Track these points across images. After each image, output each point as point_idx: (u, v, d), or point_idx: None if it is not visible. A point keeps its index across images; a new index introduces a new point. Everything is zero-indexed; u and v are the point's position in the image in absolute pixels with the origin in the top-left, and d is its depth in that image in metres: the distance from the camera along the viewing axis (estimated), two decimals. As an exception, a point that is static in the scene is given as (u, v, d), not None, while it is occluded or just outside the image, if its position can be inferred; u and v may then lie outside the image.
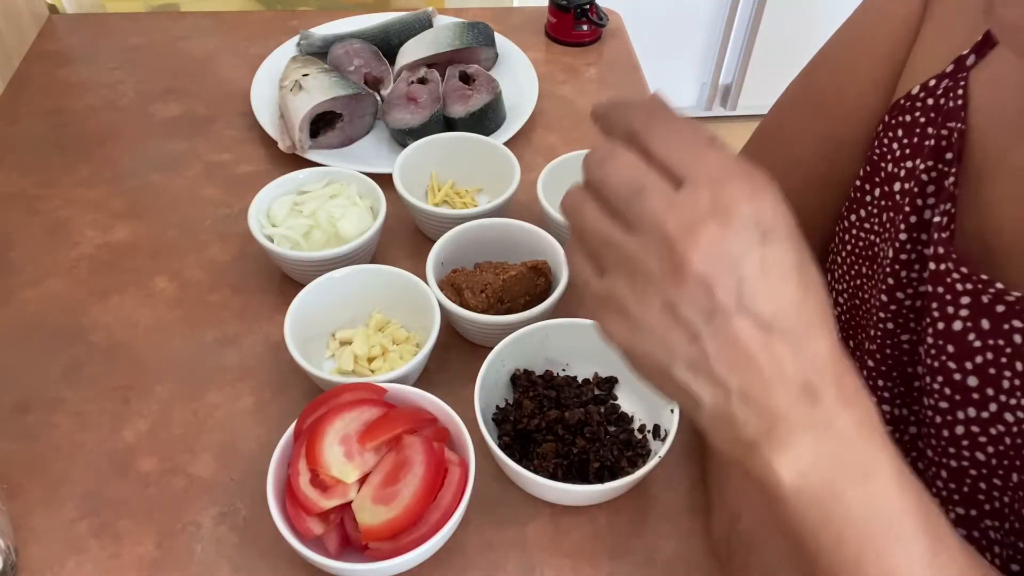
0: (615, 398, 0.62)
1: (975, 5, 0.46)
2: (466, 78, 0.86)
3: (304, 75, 0.83)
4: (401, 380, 0.58)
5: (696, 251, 0.32)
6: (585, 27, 1.00)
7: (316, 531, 0.50)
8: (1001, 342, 0.47)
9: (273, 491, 0.51)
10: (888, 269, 0.53)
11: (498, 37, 0.96)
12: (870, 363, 0.56)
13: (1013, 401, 0.48)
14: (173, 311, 0.69)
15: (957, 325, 0.49)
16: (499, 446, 0.55)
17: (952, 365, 0.50)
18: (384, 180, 0.73)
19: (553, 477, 0.55)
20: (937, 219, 0.50)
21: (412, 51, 0.90)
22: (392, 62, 0.91)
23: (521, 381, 0.61)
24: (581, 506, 0.57)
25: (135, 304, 0.69)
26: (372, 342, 0.64)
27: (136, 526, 0.55)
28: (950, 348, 0.50)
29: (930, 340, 0.51)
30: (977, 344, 0.48)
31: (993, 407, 0.49)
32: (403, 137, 0.82)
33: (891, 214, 0.54)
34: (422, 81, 0.85)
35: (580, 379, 0.63)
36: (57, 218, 0.76)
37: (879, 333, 0.55)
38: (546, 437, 0.58)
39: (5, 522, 0.53)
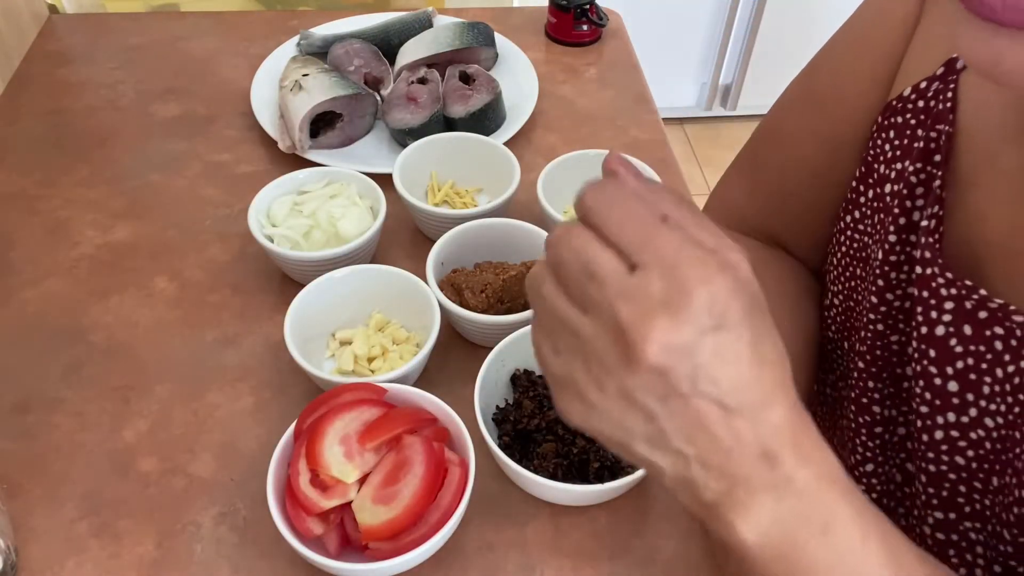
0: (615, 398, 0.62)
1: None
2: (466, 78, 0.86)
3: (304, 75, 0.83)
4: (401, 380, 0.58)
5: (649, 344, 0.32)
6: (585, 27, 1.00)
7: (316, 531, 0.50)
8: (983, 348, 0.48)
9: (273, 491, 0.51)
10: (878, 271, 0.53)
11: (498, 37, 0.96)
12: (860, 364, 0.56)
13: (993, 407, 0.48)
14: (173, 311, 0.69)
15: (940, 330, 0.49)
16: (499, 446, 0.55)
17: (933, 369, 0.50)
18: (384, 180, 0.73)
19: (553, 477, 0.55)
20: (924, 223, 0.50)
21: (412, 51, 0.90)
22: (392, 62, 0.91)
23: (521, 381, 0.61)
24: (581, 506, 0.57)
25: (135, 304, 0.69)
26: (372, 342, 0.64)
27: (136, 526, 0.56)
28: (932, 352, 0.50)
29: (914, 344, 0.51)
30: (959, 349, 0.49)
31: (973, 412, 0.49)
32: (403, 137, 0.82)
33: (882, 216, 0.54)
34: (422, 81, 0.85)
35: (580, 379, 0.63)
36: (57, 218, 0.76)
37: (869, 334, 0.55)
38: (546, 437, 0.58)
39: (5, 522, 0.53)
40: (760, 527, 0.36)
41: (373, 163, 0.81)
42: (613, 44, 1.03)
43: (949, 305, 0.48)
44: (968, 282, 0.47)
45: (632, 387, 0.34)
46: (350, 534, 0.51)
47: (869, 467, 0.60)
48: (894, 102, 0.53)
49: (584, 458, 0.57)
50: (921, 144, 0.51)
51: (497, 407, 0.60)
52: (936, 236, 0.49)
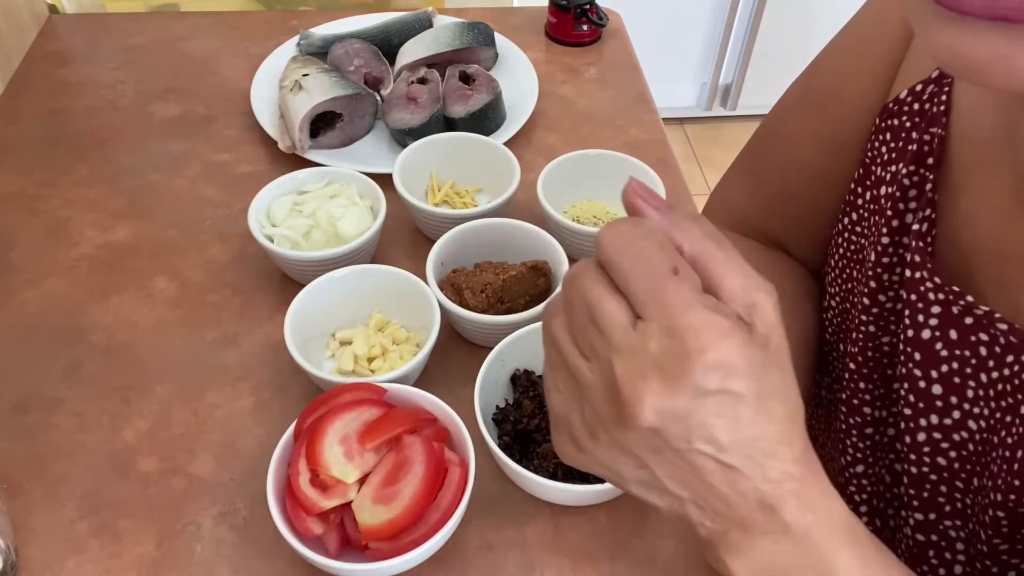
0: (615, 398, 0.62)
1: None
2: (466, 78, 0.86)
3: (304, 75, 0.83)
4: (401, 380, 0.58)
5: (641, 407, 0.32)
6: (585, 27, 1.00)
7: (316, 531, 0.50)
8: (967, 353, 0.48)
9: (273, 491, 0.51)
10: (870, 272, 0.53)
11: (498, 37, 0.96)
12: (852, 365, 0.56)
13: (976, 410, 0.48)
14: (173, 311, 0.69)
15: (926, 333, 0.49)
16: (499, 446, 0.55)
17: (918, 372, 0.50)
18: (384, 180, 0.73)
19: (553, 477, 0.55)
20: (916, 226, 0.50)
21: (412, 51, 0.90)
22: (392, 62, 0.91)
23: (521, 381, 0.61)
24: (581, 506, 0.57)
25: (135, 304, 0.69)
26: (372, 342, 0.64)
27: (136, 526, 0.56)
28: (917, 356, 0.50)
29: (900, 346, 0.51)
30: (944, 353, 0.49)
31: (956, 414, 0.50)
32: (403, 137, 0.82)
33: (877, 218, 0.54)
34: (422, 81, 0.85)
35: (580, 379, 0.63)
36: (57, 218, 0.76)
37: (860, 336, 0.55)
38: (546, 437, 0.58)
39: (5, 522, 0.53)
40: (753, 568, 0.36)
41: (373, 163, 0.81)
42: (613, 44, 1.03)
43: (936, 309, 0.49)
44: (955, 288, 0.47)
45: (624, 440, 0.34)
46: (350, 534, 0.51)
47: (859, 468, 0.60)
48: (891, 104, 0.53)
49: (584, 458, 0.57)
50: (915, 147, 0.51)
51: (497, 407, 0.60)
52: (928, 240, 0.49)
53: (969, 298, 0.47)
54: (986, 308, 0.46)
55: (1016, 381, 0.45)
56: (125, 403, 0.62)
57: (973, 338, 0.47)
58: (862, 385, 0.56)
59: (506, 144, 0.80)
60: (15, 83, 0.91)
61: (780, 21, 2.09)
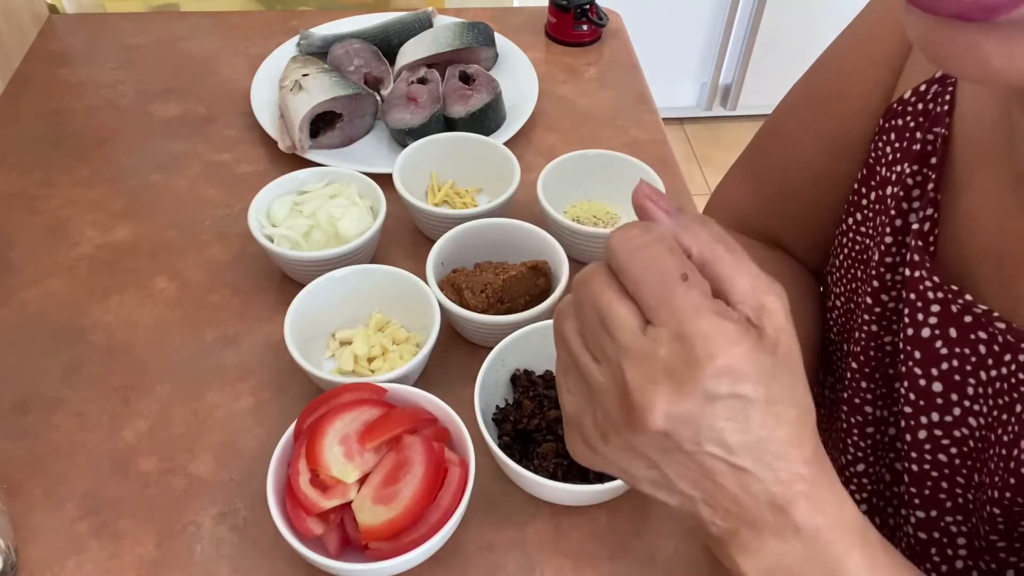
0: (615, 398, 0.62)
1: None
2: (466, 78, 0.86)
3: (304, 75, 0.83)
4: (401, 380, 0.58)
5: (651, 411, 0.32)
6: (585, 27, 1.00)
7: (316, 531, 0.50)
8: (967, 351, 0.48)
9: (273, 491, 0.51)
10: (873, 271, 0.53)
11: (498, 37, 0.96)
12: (854, 365, 0.57)
13: (977, 407, 0.49)
14: (173, 311, 0.69)
15: (926, 332, 0.50)
16: (499, 446, 0.55)
17: (918, 371, 0.50)
18: (384, 180, 0.73)
19: (553, 477, 0.55)
20: (917, 225, 0.50)
21: (412, 51, 0.90)
22: (392, 62, 0.91)
23: (521, 381, 0.61)
24: (581, 506, 0.57)
25: (135, 304, 0.69)
26: (372, 342, 0.64)
27: (136, 526, 0.55)
28: (917, 354, 0.50)
29: (900, 344, 0.51)
30: (944, 351, 0.49)
31: (957, 411, 0.50)
32: (403, 137, 0.82)
33: (882, 218, 0.54)
34: (422, 81, 0.85)
35: (580, 379, 0.63)
36: (57, 218, 0.76)
37: (863, 335, 0.55)
38: (546, 437, 0.58)
39: (5, 522, 0.53)
40: (764, 567, 0.36)
41: (373, 163, 0.81)
42: (613, 44, 1.03)
43: (936, 308, 0.49)
44: (954, 287, 0.48)
45: (635, 443, 0.34)
46: (350, 534, 0.51)
47: (860, 467, 0.60)
48: (895, 105, 0.53)
49: (584, 458, 0.57)
50: (919, 147, 0.51)
51: (497, 407, 0.60)
52: (930, 239, 0.50)
53: (968, 297, 0.47)
54: (984, 307, 0.46)
55: (1013, 380, 0.45)
56: (125, 403, 0.62)
57: (972, 336, 0.47)
58: (864, 384, 0.56)
59: (506, 144, 0.80)
60: (15, 83, 0.91)
61: (780, 21, 2.09)
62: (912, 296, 0.50)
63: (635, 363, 0.33)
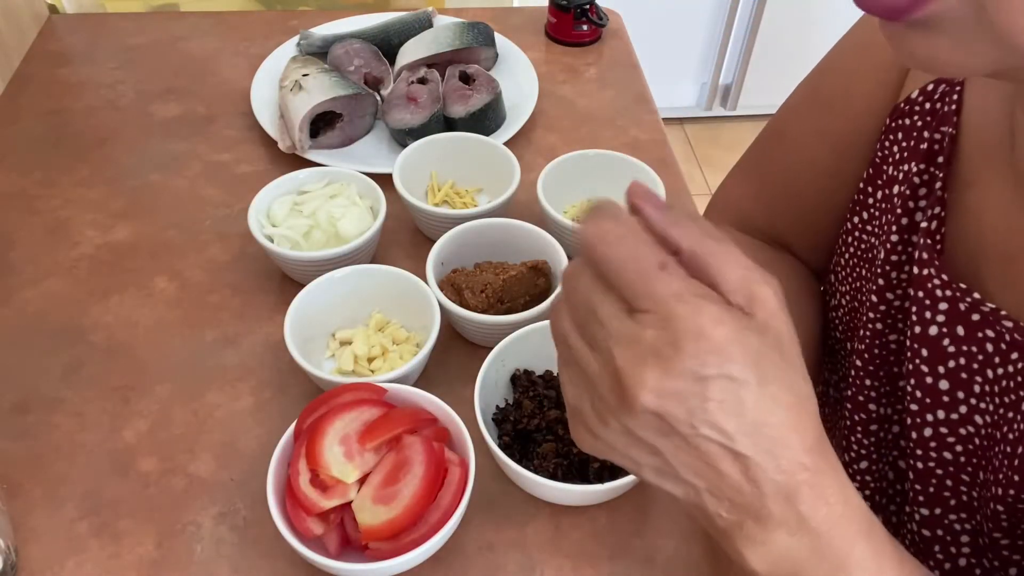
0: (615, 398, 0.62)
1: None
2: (466, 78, 0.86)
3: (304, 75, 0.83)
4: (401, 380, 0.58)
5: (642, 390, 0.33)
6: (585, 27, 1.00)
7: (316, 531, 0.50)
8: (974, 349, 0.48)
9: (273, 491, 0.51)
10: (879, 270, 0.53)
11: (498, 37, 0.96)
12: (858, 363, 0.57)
13: (983, 405, 0.49)
14: (173, 311, 0.69)
15: (933, 330, 0.50)
16: (499, 446, 0.55)
17: (925, 368, 0.51)
18: (384, 180, 0.73)
19: (553, 477, 0.55)
20: (924, 223, 0.50)
21: (412, 51, 0.90)
22: (392, 62, 0.91)
23: (521, 381, 0.61)
24: (581, 506, 0.57)
25: (135, 304, 0.69)
26: (372, 342, 0.64)
27: (136, 526, 0.55)
28: (924, 352, 0.50)
29: (907, 342, 0.51)
30: (951, 349, 0.49)
31: (963, 409, 0.50)
32: (403, 137, 0.82)
33: (888, 216, 0.54)
34: (422, 81, 0.85)
35: (580, 379, 0.63)
36: (57, 218, 0.76)
37: (868, 333, 0.55)
38: (546, 437, 0.58)
39: (5, 522, 0.53)
40: (770, 558, 0.36)
41: (373, 163, 0.81)
42: (613, 44, 1.03)
43: (943, 306, 0.49)
44: (962, 285, 0.48)
45: (633, 426, 0.34)
46: (350, 534, 0.51)
47: (863, 464, 0.60)
48: (902, 104, 0.54)
49: (584, 458, 0.57)
50: (926, 146, 0.51)
51: (497, 407, 0.60)
52: (937, 237, 0.50)
53: (976, 295, 0.47)
54: (992, 305, 0.46)
55: (1019, 378, 0.46)
56: (125, 403, 0.62)
57: (980, 334, 0.48)
58: (868, 382, 0.57)
59: (506, 144, 0.80)
60: (15, 83, 0.91)
61: (780, 21, 2.09)
62: (920, 294, 0.50)
63: (624, 348, 0.33)
